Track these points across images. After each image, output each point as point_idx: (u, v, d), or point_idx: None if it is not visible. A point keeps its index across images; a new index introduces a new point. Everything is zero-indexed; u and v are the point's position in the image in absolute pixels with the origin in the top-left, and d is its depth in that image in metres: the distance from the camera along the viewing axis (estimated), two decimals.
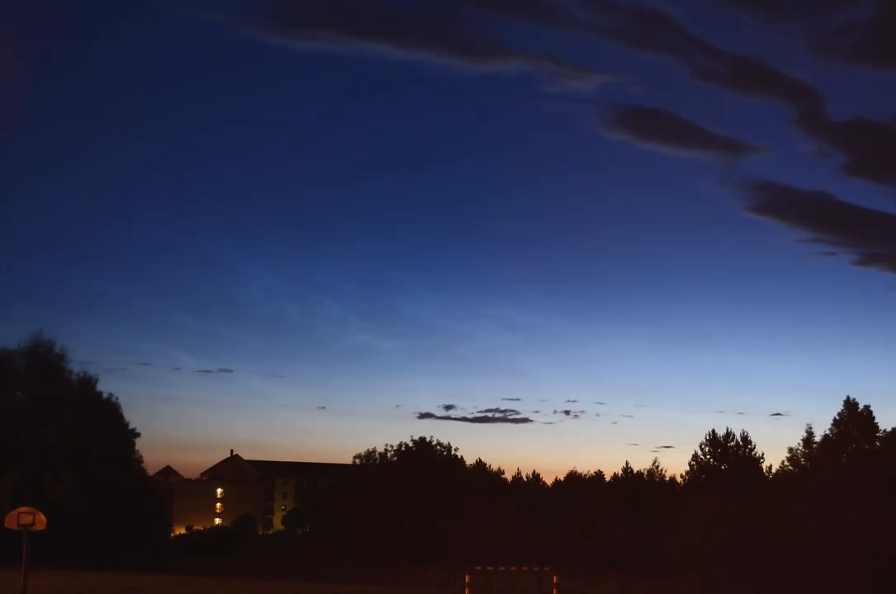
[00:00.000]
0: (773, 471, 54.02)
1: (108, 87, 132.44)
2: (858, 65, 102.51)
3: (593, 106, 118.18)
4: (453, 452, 68.55)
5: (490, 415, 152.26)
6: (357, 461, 70.02)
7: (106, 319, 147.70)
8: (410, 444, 67.44)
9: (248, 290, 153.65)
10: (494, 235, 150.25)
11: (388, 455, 68.32)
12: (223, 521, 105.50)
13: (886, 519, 36.92)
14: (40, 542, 27.41)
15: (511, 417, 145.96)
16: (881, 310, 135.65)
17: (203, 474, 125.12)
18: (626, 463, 61.08)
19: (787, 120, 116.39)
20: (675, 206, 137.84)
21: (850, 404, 47.63)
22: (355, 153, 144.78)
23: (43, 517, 24.03)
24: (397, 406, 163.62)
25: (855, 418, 47.26)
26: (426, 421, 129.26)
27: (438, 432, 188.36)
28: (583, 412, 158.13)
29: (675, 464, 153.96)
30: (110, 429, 50.16)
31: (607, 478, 61.74)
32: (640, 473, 59.44)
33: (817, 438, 48.57)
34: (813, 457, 48.37)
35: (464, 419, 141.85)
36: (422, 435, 68.66)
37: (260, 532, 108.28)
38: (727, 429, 55.89)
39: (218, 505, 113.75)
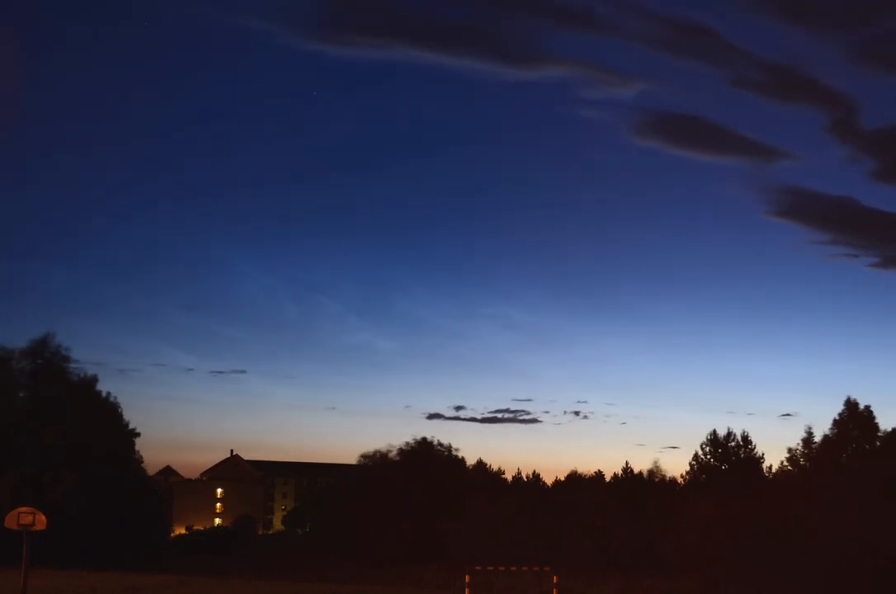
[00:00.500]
0: (774, 471, 54.12)
1: (108, 87, 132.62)
2: (895, 74, 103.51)
3: (629, 112, 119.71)
4: (454, 452, 68.65)
5: (500, 415, 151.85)
6: (364, 461, 69.87)
7: (105, 319, 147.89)
8: (411, 444, 67.50)
9: (247, 290, 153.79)
10: (494, 235, 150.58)
11: (389, 455, 68.34)
12: (223, 521, 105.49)
13: (886, 519, 36.88)
14: (40, 542, 27.41)
15: (521, 418, 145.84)
16: None
17: (203, 474, 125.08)
18: (626, 463, 61.23)
19: (821, 127, 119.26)
20: (694, 209, 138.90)
21: (850, 404, 47.62)
22: (355, 153, 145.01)
23: (43, 517, 24.03)
24: (407, 407, 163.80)
25: (855, 418, 47.22)
26: (435, 421, 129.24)
27: (447, 433, 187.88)
28: (592, 413, 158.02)
29: (681, 465, 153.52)
30: (110, 429, 50.18)
31: (607, 479, 61.81)
32: (640, 473, 59.53)
33: (817, 438, 48.66)
34: (813, 457, 48.35)
35: (473, 420, 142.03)
36: (431, 435, 68.86)
37: (260, 532, 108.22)
38: (728, 430, 56.02)
39: (218, 505, 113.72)
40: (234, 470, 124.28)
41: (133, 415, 61.21)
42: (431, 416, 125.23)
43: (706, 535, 39.83)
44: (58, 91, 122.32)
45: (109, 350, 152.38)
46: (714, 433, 55.83)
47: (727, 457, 55.42)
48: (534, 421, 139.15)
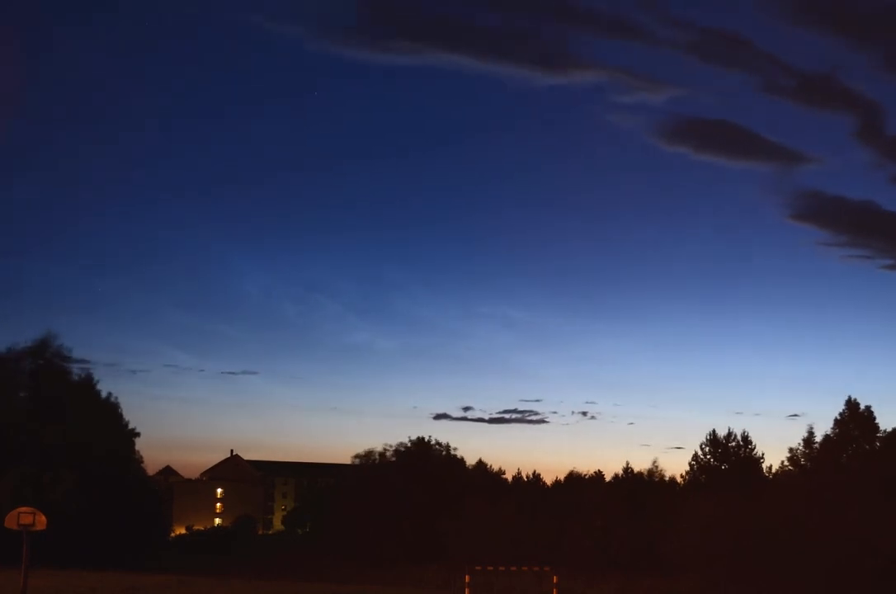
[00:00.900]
0: (774, 471, 54.08)
1: (108, 86, 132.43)
2: None
3: (659, 117, 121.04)
4: (452, 452, 68.67)
5: (507, 416, 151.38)
6: (356, 461, 70.01)
7: (105, 318, 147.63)
8: (407, 444, 67.53)
9: (247, 289, 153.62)
10: (494, 234, 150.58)
11: (388, 455, 68.39)
12: (223, 521, 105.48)
13: (886, 519, 36.89)
14: (40, 542, 27.40)
15: (528, 418, 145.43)
16: None
17: (203, 474, 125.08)
18: (627, 463, 61.20)
19: (847, 132, 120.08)
20: (712, 212, 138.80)
21: (851, 404, 47.63)
22: (359, 151, 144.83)
23: (43, 517, 24.03)
24: (415, 407, 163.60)
25: (856, 418, 47.24)
26: (442, 422, 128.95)
27: (454, 433, 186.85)
28: (600, 414, 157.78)
29: (685, 466, 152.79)
30: (110, 429, 50.20)
31: (607, 478, 61.80)
32: (640, 473, 59.50)
33: (818, 438, 48.65)
34: (813, 457, 48.36)
35: (480, 420, 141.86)
36: (433, 436, 68.83)
37: (260, 532, 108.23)
38: (728, 429, 55.96)
39: (218, 505, 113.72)
40: (234, 470, 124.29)
41: (133, 416, 61.39)
42: (438, 417, 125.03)
43: (706, 535, 39.83)
44: (56, 89, 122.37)
45: (109, 349, 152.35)
46: (714, 433, 55.81)
47: (727, 457, 55.37)
48: (541, 421, 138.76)
